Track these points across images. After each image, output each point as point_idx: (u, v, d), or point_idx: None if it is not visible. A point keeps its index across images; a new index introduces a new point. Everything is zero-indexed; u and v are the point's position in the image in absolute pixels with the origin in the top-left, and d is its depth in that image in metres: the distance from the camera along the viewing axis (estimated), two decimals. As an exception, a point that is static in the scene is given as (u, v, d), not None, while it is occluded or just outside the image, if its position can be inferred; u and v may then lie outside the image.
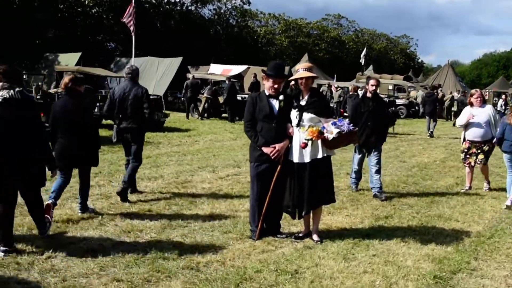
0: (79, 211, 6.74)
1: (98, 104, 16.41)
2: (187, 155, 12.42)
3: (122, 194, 7.52)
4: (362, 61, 45.14)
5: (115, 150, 12.56)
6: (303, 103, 5.95)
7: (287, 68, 32.06)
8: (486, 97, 41.26)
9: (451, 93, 32.92)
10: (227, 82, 23.19)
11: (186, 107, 23.43)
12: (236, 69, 32.43)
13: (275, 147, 5.79)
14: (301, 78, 5.96)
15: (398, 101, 31.41)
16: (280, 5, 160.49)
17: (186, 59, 29.89)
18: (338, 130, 5.68)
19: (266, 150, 5.83)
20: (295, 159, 5.89)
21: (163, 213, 7.04)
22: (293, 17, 67.11)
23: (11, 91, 5.16)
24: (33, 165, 5.32)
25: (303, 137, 5.77)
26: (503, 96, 31.19)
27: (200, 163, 11.31)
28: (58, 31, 40.86)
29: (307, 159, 5.85)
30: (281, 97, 5.91)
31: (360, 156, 9.06)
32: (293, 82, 12.00)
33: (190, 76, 24.71)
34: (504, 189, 10.01)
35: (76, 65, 26.87)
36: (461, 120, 9.66)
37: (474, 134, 9.41)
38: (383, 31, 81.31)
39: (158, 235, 6.00)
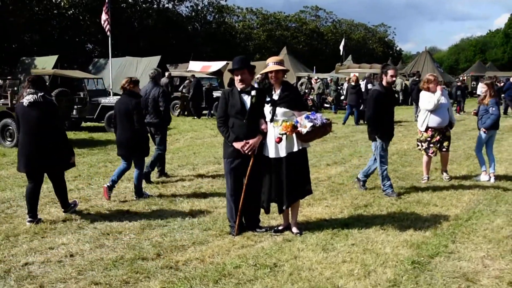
0: None
1: (75, 106, 16.28)
2: (167, 154, 12.25)
3: (146, 177, 8.86)
4: (342, 51, 45.27)
5: (94, 153, 12.50)
6: (275, 97, 5.94)
7: (264, 63, 32.06)
8: (464, 81, 41.91)
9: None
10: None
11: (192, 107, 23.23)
12: (215, 65, 32.36)
13: (247, 142, 5.79)
14: (271, 72, 5.95)
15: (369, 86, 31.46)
16: (258, 0, 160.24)
17: (165, 57, 29.80)
18: (311, 123, 5.67)
19: (236, 145, 5.84)
20: (271, 154, 5.90)
21: (143, 213, 7.02)
22: (271, 11, 67.10)
23: (35, 95, 6.50)
24: (53, 155, 6.58)
25: (277, 132, 5.77)
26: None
27: (180, 161, 11.28)
28: (34, 34, 40.43)
29: (282, 154, 5.86)
30: (253, 92, 5.90)
31: (387, 155, 8.29)
32: (258, 76, 11.91)
33: (166, 74, 24.58)
34: (481, 172, 10.17)
35: (53, 68, 26.61)
36: (430, 104, 8.92)
37: (439, 120, 8.95)
38: (361, 21, 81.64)
39: (137, 236, 5.98)
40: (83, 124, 18.50)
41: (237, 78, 5.90)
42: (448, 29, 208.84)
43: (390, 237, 5.95)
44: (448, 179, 9.27)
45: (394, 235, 6.03)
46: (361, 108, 20.07)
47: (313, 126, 5.68)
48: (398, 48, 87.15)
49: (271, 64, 6.01)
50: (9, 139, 13.57)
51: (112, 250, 5.51)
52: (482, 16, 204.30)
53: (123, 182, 9.03)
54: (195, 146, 13.87)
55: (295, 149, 5.86)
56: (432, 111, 8.92)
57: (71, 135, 15.78)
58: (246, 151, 5.79)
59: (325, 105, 26.68)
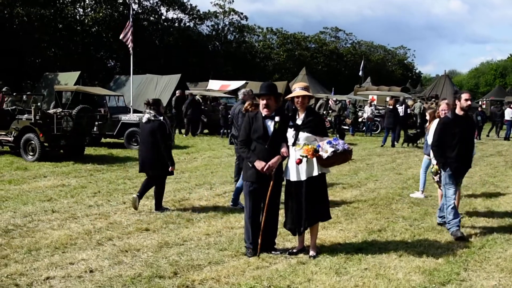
0: None
1: (96, 123, 16.59)
2: (185, 173, 12.56)
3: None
4: (361, 73, 45.42)
5: (113, 169, 12.73)
6: (299, 122, 6.11)
7: (283, 83, 32.31)
8: (484, 106, 41.64)
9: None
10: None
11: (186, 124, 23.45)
12: (234, 85, 32.73)
13: (267, 164, 5.94)
14: (298, 97, 6.12)
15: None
16: (277, 20, 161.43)
17: (185, 75, 30.18)
18: (333, 149, 5.82)
19: (257, 164, 5.97)
20: (292, 177, 6.06)
21: (161, 231, 7.17)
22: (291, 31, 67.60)
23: (149, 115, 8.37)
24: (157, 163, 8.36)
25: (298, 154, 5.93)
26: None
27: (197, 181, 11.45)
28: (58, 50, 41.28)
29: (303, 177, 6.01)
30: (276, 118, 6.06)
31: (455, 188, 7.51)
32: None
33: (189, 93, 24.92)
34: (498, 198, 10.20)
35: (75, 83, 27.15)
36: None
37: None
38: (381, 43, 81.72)
39: (155, 254, 6.13)
40: (103, 140, 18.81)
41: (262, 103, 6.07)
42: (468, 51, 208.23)
43: (403, 263, 6.02)
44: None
45: (407, 261, 6.10)
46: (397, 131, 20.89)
47: (334, 151, 5.82)
48: (417, 71, 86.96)
49: (297, 89, 6.19)
50: (31, 153, 13.87)
51: (131, 267, 5.66)
52: (502, 39, 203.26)
53: (142, 200, 9.21)
54: (212, 165, 14.05)
55: (315, 173, 6.01)
56: None
57: (91, 150, 16.12)
58: (265, 171, 5.93)
59: (343, 127, 26.76)
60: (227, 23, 58.27)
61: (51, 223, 7.48)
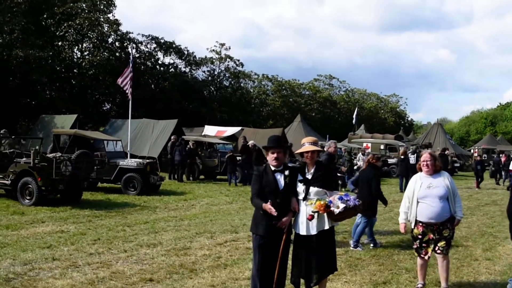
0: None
1: (95, 168, 16.58)
2: (184, 220, 12.51)
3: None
4: (354, 120, 45.90)
5: (112, 215, 12.66)
6: (309, 176, 6.14)
7: (279, 130, 32.56)
8: (475, 154, 42.05)
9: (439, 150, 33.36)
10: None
11: (180, 170, 23.48)
12: (230, 130, 32.97)
13: (280, 221, 5.90)
14: (307, 152, 6.18)
15: (390, 161, 31.81)
16: (269, 66, 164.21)
17: (181, 120, 30.35)
18: (344, 205, 5.86)
19: (266, 207, 5.81)
20: (302, 231, 6.05)
21: (165, 282, 7.09)
22: (285, 78, 68.61)
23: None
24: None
25: (309, 210, 5.95)
26: None
27: (198, 229, 11.39)
28: (54, 92, 41.57)
29: (313, 232, 6.01)
30: (286, 172, 6.09)
31: None
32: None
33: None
34: (497, 249, 10.21)
35: (71, 127, 27.20)
36: (409, 191, 7.23)
37: (427, 213, 6.94)
38: (373, 90, 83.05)
39: (161, 306, 6.06)
40: (100, 184, 18.77)
41: (272, 156, 6.06)
42: (458, 100, 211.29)
43: (411, 318, 5.98)
44: None
45: (415, 316, 6.06)
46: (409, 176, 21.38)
47: (346, 207, 5.86)
48: (409, 119, 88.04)
49: (306, 144, 6.25)
50: (28, 197, 13.81)
51: (137, 320, 5.58)
52: (491, 88, 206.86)
53: (143, 248, 9.16)
54: (211, 213, 14.00)
55: (326, 227, 6.02)
56: (419, 200, 7.02)
57: (88, 195, 16.06)
58: (278, 226, 5.91)
59: (338, 174, 26.86)
60: (223, 68, 59.11)
61: (52, 271, 7.40)
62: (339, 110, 70.37)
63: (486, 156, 36.54)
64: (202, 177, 25.21)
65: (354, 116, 47.36)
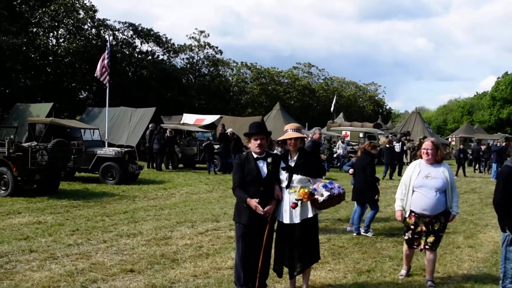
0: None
1: (72, 157, 16.26)
2: (164, 209, 12.33)
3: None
4: (333, 108, 45.97)
5: (90, 205, 12.43)
6: (292, 163, 6.02)
7: (258, 118, 32.45)
8: (453, 143, 42.46)
9: (419, 139, 33.59)
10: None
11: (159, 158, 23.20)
12: (209, 119, 32.73)
13: (262, 210, 5.79)
14: (290, 139, 6.05)
15: (369, 148, 31.88)
16: (248, 53, 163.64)
17: (159, 108, 30.01)
18: (328, 193, 5.75)
19: (251, 203, 5.76)
20: (285, 220, 5.94)
21: (146, 273, 6.93)
22: (263, 66, 68.36)
23: None
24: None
25: (293, 198, 5.83)
26: None
27: (178, 218, 11.22)
28: (29, 80, 40.74)
29: (297, 220, 5.90)
30: (269, 159, 5.97)
31: None
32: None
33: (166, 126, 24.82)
34: (479, 236, 10.28)
35: (47, 115, 26.70)
36: (406, 177, 6.89)
37: (421, 204, 6.66)
38: (352, 79, 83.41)
39: (143, 298, 5.91)
40: (77, 174, 18.45)
41: (255, 143, 5.93)
42: (435, 89, 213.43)
43: (397, 306, 5.94)
44: (433, 286, 6.82)
45: (400, 304, 6.01)
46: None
47: (330, 195, 5.75)
48: (387, 107, 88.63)
49: (289, 131, 6.12)
50: (3, 188, 13.48)
51: (119, 312, 5.43)
52: (467, 77, 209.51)
53: (123, 238, 8.98)
54: (191, 201, 13.84)
55: (310, 215, 5.91)
56: (415, 189, 6.74)
57: (65, 185, 15.76)
58: (262, 215, 5.80)
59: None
60: (201, 56, 58.63)
61: (29, 264, 7.18)
62: (318, 98, 70.46)
63: (463, 145, 36.82)
64: (181, 165, 25.00)
65: (332, 104, 47.38)
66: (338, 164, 27.76)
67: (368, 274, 7.32)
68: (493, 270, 7.77)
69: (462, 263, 8.16)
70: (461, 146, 28.35)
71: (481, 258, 8.52)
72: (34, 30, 41.56)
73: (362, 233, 10.00)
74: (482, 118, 78.95)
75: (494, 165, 25.48)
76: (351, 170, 10.40)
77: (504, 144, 28.32)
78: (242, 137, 24.40)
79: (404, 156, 27.81)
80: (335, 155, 27.84)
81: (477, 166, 29.87)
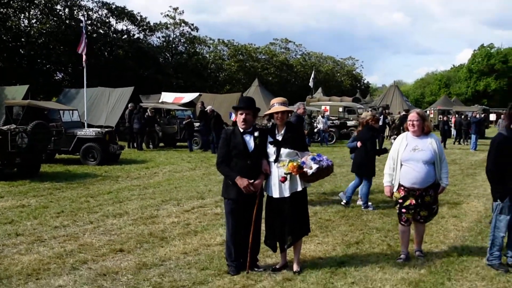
0: None
1: (52, 138, 16.02)
2: (148, 188, 12.26)
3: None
4: (311, 84, 45.92)
5: (73, 187, 12.29)
6: (279, 137, 6.00)
7: (237, 95, 32.30)
8: (431, 115, 42.85)
9: (399, 112, 33.82)
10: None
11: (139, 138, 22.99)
12: (188, 97, 32.41)
13: (251, 183, 5.80)
14: (277, 113, 6.02)
15: (349, 123, 32.08)
16: (224, 30, 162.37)
17: (137, 88, 29.66)
18: (317, 165, 5.76)
19: (240, 182, 5.80)
20: (275, 194, 5.94)
21: (136, 252, 6.90)
22: (240, 42, 67.89)
23: None
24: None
25: (282, 171, 5.83)
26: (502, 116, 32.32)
27: (163, 196, 11.17)
28: (2, 63, 39.88)
29: (286, 194, 5.91)
30: (256, 133, 5.94)
31: (509, 216, 6.22)
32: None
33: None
34: (462, 206, 10.44)
35: (23, 98, 26.17)
36: (393, 151, 6.70)
37: (410, 177, 6.47)
38: (329, 53, 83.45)
39: (135, 276, 5.87)
40: (57, 156, 18.21)
41: (241, 117, 5.92)
42: (412, 63, 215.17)
43: (387, 275, 6.01)
44: (422, 256, 6.81)
45: (390, 273, 6.09)
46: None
47: (319, 168, 5.76)
48: (365, 81, 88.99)
49: (276, 105, 6.08)
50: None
51: (112, 292, 5.40)
52: (444, 51, 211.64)
53: (109, 219, 8.92)
54: (175, 180, 13.78)
55: (299, 188, 5.93)
56: (403, 162, 6.54)
57: (46, 168, 15.55)
58: (249, 191, 5.80)
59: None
60: (177, 34, 57.96)
61: (17, 247, 7.08)
62: (296, 74, 70.38)
63: (442, 117, 37.20)
64: (161, 144, 24.86)
65: (311, 79, 47.30)
66: (319, 139, 27.86)
67: (357, 246, 7.39)
68: (478, 238, 7.91)
69: (448, 232, 8.28)
70: (445, 118, 28.67)
71: (466, 227, 8.66)
72: (4, 10, 40.53)
73: (362, 209, 10.02)
74: (459, 90, 79.89)
75: (473, 137, 25.82)
76: (359, 143, 10.24)
77: (482, 115, 28.69)
78: (222, 114, 24.42)
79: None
80: (316, 130, 27.88)
81: (460, 138, 30.15)
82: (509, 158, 6.01)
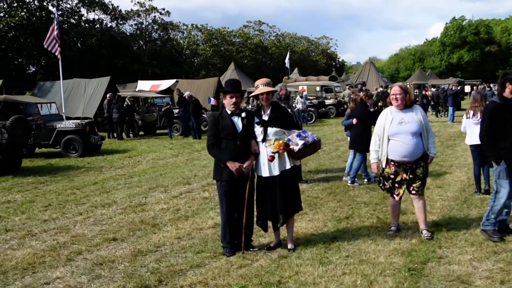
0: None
1: (33, 132, 15.83)
2: (133, 177, 12.23)
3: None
4: (287, 64, 45.92)
5: (58, 180, 12.21)
6: (265, 118, 6.06)
7: (215, 79, 32.22)
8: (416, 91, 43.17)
9: (376, 89, 34.09)
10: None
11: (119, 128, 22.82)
12: (165, 84, 32.21)
13: (242, 166, 5.87)
14: (262, 94, 6.07)
15: (327, 102, 32.25)
16: (196, 14, 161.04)
17: (112, 77, 29.32)
18: (303, 141, 5.84)
19: (231, 165, 5.87)
20: (264, 173, 6.02)
21: (130, 240, 6.91)
22: (213, 27, 67.45)
23: None
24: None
25: (269, 151, 5.89)
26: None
27: (149, 184, 11.17)
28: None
29: (276, 172, 5.98)
30: (243, 114, 5.99)
31: (508, 181, 6.22)
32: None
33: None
34: (446, 177, 10.64)
35: (-3, 93, 25.72)
36: (379, 127, 6.68)
37: (400, 151, 6.45)
38: (303, 33, 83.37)
39: (132, 264, 5.89)
40: (37, 150, 18.00)
41: (230, 101, 5.97)
42: (385, 39, 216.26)
43: (380, 247, 6.13)
44: (429, 236, 6.49)
45: (383, 245, 6.21)
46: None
47: (305, 144, 5.83)
48: (340, 59, 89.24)
49: (261, 86, 6.13)
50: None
51: (111, 280, 5.41)
52: (416, 25, 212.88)
53: (98, 209, 8.89)
54: (159, 167, 13.76)
55: (288, 166, 6.00)
56: (390, 137, 6.53)
57: (27, 162, 15.38)
58: (241, 172, 5.86)
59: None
60: (150, 21, 57.32)
61: (8, 243, 7.03)
62: (271, 56, 70.31)
63: (418, 91, 37.58)
64: (141, 133, 24.73)
65: (286, 60, 47.24)
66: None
67: (347, 220, 7.51)
68: (463, 207, 8.11)
69: (434, 202, 8.45)
70: (424, 92, 29.00)
71: (451, 196, 8.85)
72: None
73: (349, 184, 10.17)
74: (433, 64, 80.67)
75: (450, 109, 26.18)
76: (354, 120, 10.31)
77: (458, 88, 29.05)
78: (201, 99, 24.33)
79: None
80: (295, 109, 27.93)
81: (437, 111, 30.54)
82: (502, 125, 6.14)
